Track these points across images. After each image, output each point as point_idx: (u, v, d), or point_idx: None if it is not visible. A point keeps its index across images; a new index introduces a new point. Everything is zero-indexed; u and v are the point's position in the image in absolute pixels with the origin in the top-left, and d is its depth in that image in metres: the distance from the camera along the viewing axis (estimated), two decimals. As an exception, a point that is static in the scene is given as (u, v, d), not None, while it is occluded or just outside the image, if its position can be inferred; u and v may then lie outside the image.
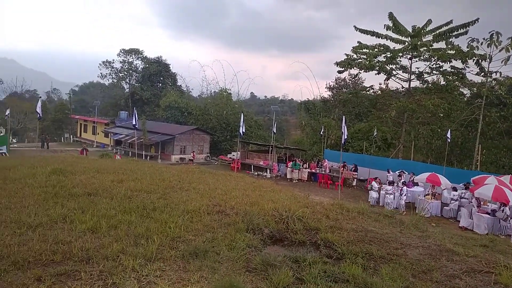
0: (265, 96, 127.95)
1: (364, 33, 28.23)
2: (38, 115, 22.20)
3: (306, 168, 25.07)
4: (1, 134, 41.79)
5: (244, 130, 25.26)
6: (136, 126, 26.48)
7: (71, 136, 56.63)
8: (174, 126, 44.17)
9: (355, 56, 28.92)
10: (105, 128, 48.23)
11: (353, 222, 7.00)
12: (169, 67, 66.04)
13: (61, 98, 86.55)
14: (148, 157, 36.52)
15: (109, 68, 64.46)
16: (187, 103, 51.26)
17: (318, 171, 24.82)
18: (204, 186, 8.57)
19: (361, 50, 28.52)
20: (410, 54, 27.29)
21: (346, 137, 17.04)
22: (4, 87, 76.97)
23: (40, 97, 50.65)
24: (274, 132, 31.58)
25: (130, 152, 39.98)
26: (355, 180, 23.85)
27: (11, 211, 5.44)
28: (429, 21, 26.45)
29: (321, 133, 32.23)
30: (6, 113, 34.28)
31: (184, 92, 62.77)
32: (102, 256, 4.12)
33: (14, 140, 42.45)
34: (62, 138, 56.90)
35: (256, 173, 27.02)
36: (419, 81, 29.60)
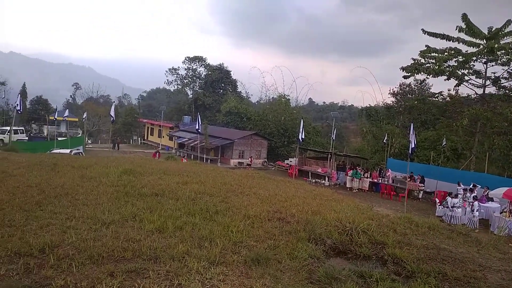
0: (324, 102, 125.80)
1: (433, 36, 26.59)
2: (112, 119, 23.85)
3: (367, 178, 24.08)
4: (78, 135, 45.74)
5: (303, 137, 24.97)
6: (199, 130, 27.48)
7: (139, 138, 60.33)
8: (234, 131, 45.12)
9: (422, 60, 27.32)
10: (169, 131, 50.67)
11: (423, 238, 6.51)
12: (230, 74, 67.82)
13: (130, 103, 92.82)
14: (209, 161, 37.66)
15: (175, 75, 67.97)
16: (246, 108, 52.13)
17: (380, 181, 23.73)
18: (264, 191, 8.55)
19: (429, 54, 26.87)
20: (486, 58, 25.14)
21: (414, 146, 16.04)
22: (82, 92, 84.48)
23: (114, 102, 54.59)
24: (333, 138, 30.85)
25: (192, 155, 41.57)
26: (421, 192, 22.42)
27: (87, 207, 5.83)
28: (509, 22, 24.19)
29: (384, 141, 30.84)
30: (84, 116, 37.59)
31: (243, 98, 63.94)
32: (168, 256, 4.23)
33: (89, 141, 46.25)
34: (131, 140, 60.83)
35: (313, 181, 26.58)
36: (495, 87, 27.11)
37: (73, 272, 3.64)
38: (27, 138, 39.01)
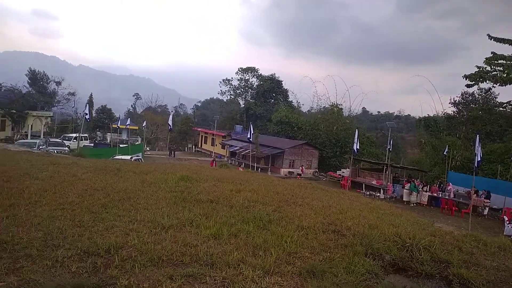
0: (378, 112, 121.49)
1: (500, 42, 24.73)
2: (169, 127, 25.06)
3: (426, 191, 22.77)
4: (138, 143, 48.37)
5: (358, 147, 24.32)
6: (250, 139, 27.84)
7: (193, 146, 62.42)
8: (284, 140, 45.08)
9: (488, 68, 25.47)
10: (222, 140, 51.90)
11: (493, 258, 5.99)
12: (281, 84, 68.13)
13: (186, 113, 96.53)
14: (259, 169, 37.91)
15: (228, 85, 69.74)
16: (297, 118, 51.91)
17: (440, 195, 22.31)
18: (317, 202, 8.41)
19: (496, 61, 25.00)
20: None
21: (480, 159, 14.94)
22: (142, 102, 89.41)
23: (172, 111, 57.24)
24: (389, 149, 29.67)
25: (243, 164, 42.12)
26: (487, 209, 20.74)
27: (148, 211, 6.11)
28: None
29: (445, 153, 29.05)
30: (143, 125, 39.85)
31: (294, 108, 63.78)
32: (224, 263, 4.29)
33: (148, 148, 48.75)
34: (186, 148, 63.09)
35: (368, 193, 25.66)
36: None
37: (135, 273, 3.81)
38: (92, 144, 42.02)
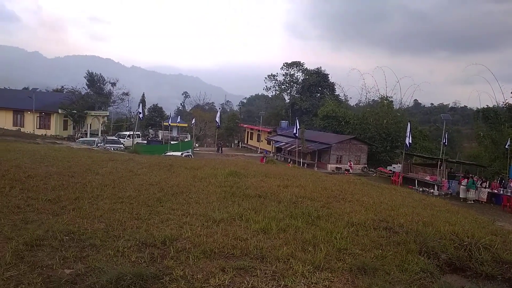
0: (432, 104, 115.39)
1: None
2: (217, 124, 25.65)
3: (485, 188, 21.34)
4: (187, 140, 50.05)
5: (411, 141, 23.32)
6: (296, 134, 27.69)
7: (240, 142, 63.34)
8: (331, 135, 44.32)
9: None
10: (268, 136, 52.11)
11: None
12: (328, 77, 66.94)
13: (232, 109, 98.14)
14: (305, 165, 37.64)
15: (273, 81, 69.80)
16: (344, 112, 50.77)
17: (502, 192, 20.81)
18: (367, 198, 8.21)
19: None
20: None
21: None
22: (190, 100, 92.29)
23: (220, 108, 58.46)
24: (444, 143, 28.14)
25: (289, 159, 42.03)
26: (557, 207, 19.05)
27: (199, 205, 6.33)
28: None
29: (506, 146, 26.99)
30: (192, 122, 41.18)
31: (341, 101, 62.40)
32: (274, 257, 4.35)
33: (196, 145, 50.31)
34: (232, 144, 64.21)
35: (421, 189, 24.57)
36: None
37: (190, 265, 3.98)
38: (145, 141, 44.14)
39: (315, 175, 11.60)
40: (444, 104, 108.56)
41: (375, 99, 56.29)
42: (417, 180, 27.33)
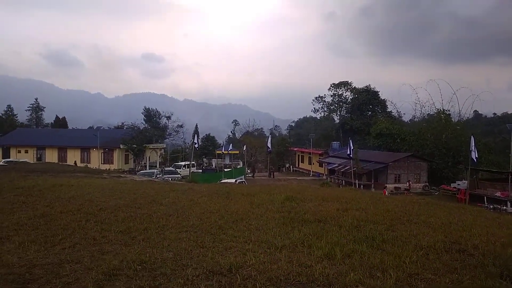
0: (494, 114, 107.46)
1: None
2: (269, 149, 25.91)
3: None
4: (239, 166, 50.88)
5: (477, 156, 21.79)
6: (351, 155, 27.08)
7: (291, 166, 63.08)
8: (386, 153, 42.73)
9: None
10: (319, 158, 51.42)
11: None
12: (378, 94, 65.36)
13: (281, 134, 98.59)
14: (361, 186, 36.42)
15: (321, 103, 69.51)
16: (399, 129, 48.91)
17: None
18: (434, 219, 7.76)
19: None
20: None
21: None
22: (240, 128, 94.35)
23: (270, 134, 59.21)
24: (514, 156, 25.99)
25: (343, 181, 40.97)
26: None
27: (260, 232, 6.39)
28: None
29: None
30: (243, 149, 41.98)
31: (394, 118, 60.29)
32: (341, 284, 4.24)
33: (248, 171, 50.99)
34: (284, 168, 64.10)
35: (491, 206, 22.66)
36: None
37: (257, 292, 4.01)
38: (200, 170, 45.59)
39: (375, 197, 11.21)
40: (509, 113, 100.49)
41: (431, 113, 53.68)
42: (486, 197, 25.26)
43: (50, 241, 5.76)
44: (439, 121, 46.44)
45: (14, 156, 52.73)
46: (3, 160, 46.13)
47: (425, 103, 73.07)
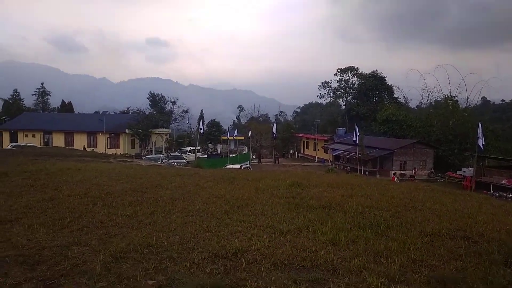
0: (503, 100, 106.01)
1: None
2: (274, 135, 25.88)
3: None
4: (244, 152, 50.95)
5: (484, 143, 21.60)
6: (356, 141, 26.95)
7: (296, 152, 63.05)
8: (392, 140, 42.50)
9: None
10: (324, 144, 51.30)
11: None
12: (385, 80, 64.63)
13: (286, 120, 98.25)
14: (366, 173, 36.38)
15: (327, 88, 68.93)
16: (405, 115, 48.51)
17: None
18: (440, 206, 7.75)
19: None
20: None
21: None
22: (245, 113, 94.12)
23: (275, 120, 59.09)
24: (522, 143, 25.72)
25: (348, 167, 40.93)
26: None
27: (265, 217, 6.43)
28: None
29: None
30: (249, 135, 41.97)
31: (401, 104, 59.72)
32: (345, 269, 4.28)
33: (253, 156, 51.15)
34: (289, 154, 64.12)
35: (497, 194, 22.58)
36: None
37: (262, 276, 4.06)
38: (206, 156, 45.74)
39: (380, 183, 11.20)
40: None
41: (438, 99, 53.08)
42: (492, 185, 25.14)
43: (58, 224, 5.86)
44: (446, 107, 45.95)
45: (21, 140, 53.21)
46: (11, 144, 46.63)
47: (432, 89, 72.03)
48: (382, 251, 4.88)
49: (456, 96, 49.11)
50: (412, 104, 64.52)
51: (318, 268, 4.34)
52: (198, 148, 48.17)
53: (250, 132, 48.73)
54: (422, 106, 60.32)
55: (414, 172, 36.08)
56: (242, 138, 59.01)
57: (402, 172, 36.89)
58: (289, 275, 4.12)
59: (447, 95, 49.13)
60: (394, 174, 32.36)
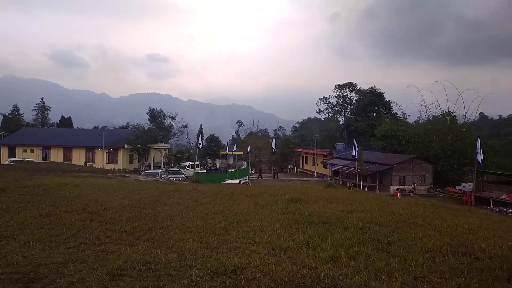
0: (500, 116, 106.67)
1: None
2: (273, 150, 25.90)
3: None
4: (243, 167, 50.83)
5: (482, 158, 21.65)
6: (355, 156, 26.97)
7: (295, 167, 62.94)
8: (391, 155, 42.56)
9: None
10: (324, 159, 51.27)
11: None
12: (383, 96, 65.17)
13: (285, 134, 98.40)
14: (366, 188, 36.26)
15: (326, 104, 69.38)
16: (404, 130, 48.68)
17: None
18: (440, 222, 7.69)
19: None
20: None
21: None
22: (244, 128, 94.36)
23: (274, 135, 59.26)
24: (521, 158, 25.78)
25: (347, 183, 40.80)
26: None
27: (264, 233, 6.36)
28: None
29: None
30: (247, 150, 42.03)
31: (399, 120, 59.99)
32: (346, 286, 4.21)
33: (252, 172, 51.07)
34: (287, 169, 63.99)
35: (497, 209, 22.46)
36: None
37: (262, 294, 3.98)
38: (204, 171, 45.61)
39: (379, 199, 11.14)
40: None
41: (436, 115, 53.37)
42: (492, 200, 25.04)
43: (54, 241, 5.77)
44: (444, 122, 46.16)
45: (20, 155, 53.07)
46: (9, 159, 46.46)
47: (430, 104, 72.40)
48: (383, 267, 4.81)
49: (454, 112, 49.46)
50: (411, 120, 64.86)
51: (318, 285, 4.26)
52: (197, 163, 48.06)
53: (249, 147, 48.75)
54: (420, 121, 60.61)
55: (414, 187, 35.98)
56: (241, 153, 59.00)
57: (402, 187, 36.78)
58: (290, 293, 4.04)
59: (445, 111, 49.44)
60: (397, 189, 32.25)
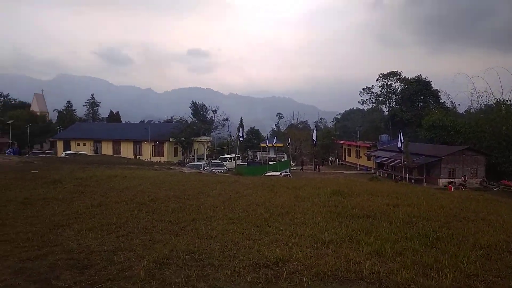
0: None
1: None
2: (314, 142, 25.59)
3: None
4: (284, 159, 50.73)
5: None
6: (401, 148, 25.96)
7: (337, 159, 61.85)
8: (440, 146, 40.54)
9: None
10: (367, 151, 49.91)
11: None
12: (430, 85, 62.05)
13: (326, 126, 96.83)
14: (412, 181, 34.86)
15: (369, 94, 67.25)
16: (453, 120, 46.11)
17: None
18: (495, 217, 7.22)
19: None
20: None
21: None
22: (284, 121, 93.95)
23: (315, 127, 58.57)
24: None
25: (392, 175, 39.46)
26: None
27: (306, 226, 6.30)
28: None
29: None
30: (288, 142, 41.88)
31: (448, 109, 56.88)
32: (392, 282, 4.07)
33: (293, 164, 50.78)
34: (329, 161, 63.00)
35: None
36: None
37: (304, 287, 3.95)
38: (245, 163, 46.09)
39: (427, 192, 10.65)
40: None
41: (489, 103, 49.97)
42: (556, 194, 23.10)
43: (106, 229, 6.09)
44: (498, 112, 43.12)
45: (74, 148, 56.62)
46: (64, 152, 49.72)
47: (482, 93, 67.71)
48: (432, 264, 4.60)
49: (509, 100, 45.98)
50: (460, 109, 61.20)
51: (363, 280, 4.16)
52: (238, 155, 48.59)
53: (289, 139, 48.53)
54: (471, 111, 57.00)
55: (464, 180, 34.07)
56: (282, 145, 58.86)
57: (451, 180, 34.96)
58: (333, 286, 3.99)
59: (499, 99, 46.11)
60: (449, 183, 30.71)
